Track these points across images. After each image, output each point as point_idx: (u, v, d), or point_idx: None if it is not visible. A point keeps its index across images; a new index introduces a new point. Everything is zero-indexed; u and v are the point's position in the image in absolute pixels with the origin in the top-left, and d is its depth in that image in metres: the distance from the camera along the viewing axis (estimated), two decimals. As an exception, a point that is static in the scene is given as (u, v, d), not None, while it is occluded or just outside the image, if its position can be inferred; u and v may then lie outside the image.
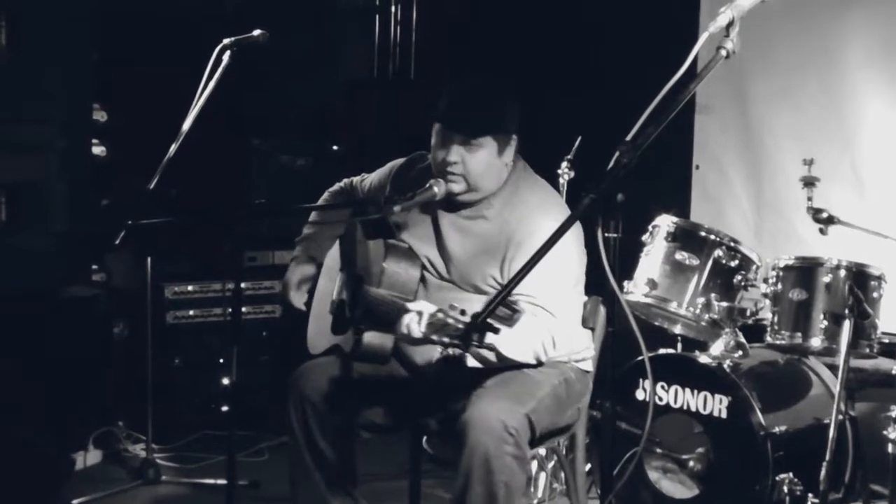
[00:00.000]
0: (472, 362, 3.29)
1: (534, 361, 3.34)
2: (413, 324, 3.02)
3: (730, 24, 2.40)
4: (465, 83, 3.49)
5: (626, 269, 4.11)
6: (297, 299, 3.79)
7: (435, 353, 3.43)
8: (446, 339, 2.84)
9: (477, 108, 3.42)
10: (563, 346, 3.42)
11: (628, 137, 2.29)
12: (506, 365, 3.31)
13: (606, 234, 2.35)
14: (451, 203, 3.51)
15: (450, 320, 2.85)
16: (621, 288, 3.99)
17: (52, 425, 4.57)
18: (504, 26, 6.04)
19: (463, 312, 2.86)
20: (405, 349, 3.50)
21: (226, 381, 5.35)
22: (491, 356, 3.23)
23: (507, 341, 3.03)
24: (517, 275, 2.48)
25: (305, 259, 3.85)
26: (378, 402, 3.60)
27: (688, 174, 5.31)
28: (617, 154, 2.28)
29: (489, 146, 3.40)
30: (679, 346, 4.38)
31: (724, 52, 2.42)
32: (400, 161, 3.76)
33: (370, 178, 3.84)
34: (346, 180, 3.93)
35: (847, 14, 4.68)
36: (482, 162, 3.40)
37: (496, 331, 2.67)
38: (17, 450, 4.26)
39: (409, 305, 3.08)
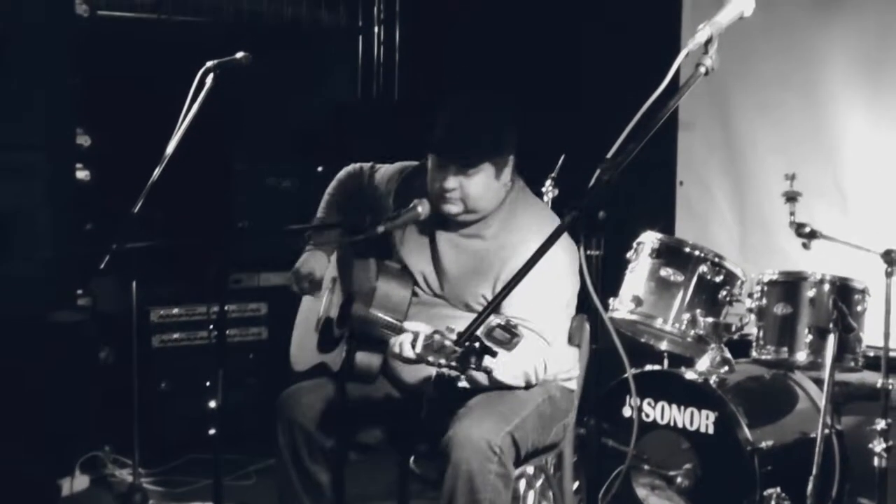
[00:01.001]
0: (462, 383, 3.28)
1: (524, 385, 3.36)
2: (406, 344, 3.02)
3: (708, 41, 2.41)
4: (458, 109, 3.46)
5: (611, 286, 4.12)
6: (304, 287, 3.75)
7: (423, 372, 3.42)
8: (442, 361, 2.78)
9: (472, 137, 3.39)
10: (552, 367, 3.43)
11: (609, 154, 2.30)
12: (495, 387, 3.32)
13: (589, 252, 2.35)
14: (449, 220, 3.52)
15: (447, 342, 2.79)
16: (606, 305, 4.02)
17: (38, 451, 4.56)
18: (487, 46, 6.05)
19: (460, 335, 2.77)
20: (394, 368, 3.50)
21: (212, 404, 5.32)
22: (483, 379, 3.23)
23: (503, 365, 3.00)
24: (501, 292, 2.48)
25: (312, 254, 3.82)
26: (367, 424, 3.60)
27: (672, 190, 5.33)
28: (598, 171, 2.29)
29: (487, 170, 3.40)
30: (665, 362, 4.38)
31: (703, 69, 2.43)
32: (411, 166, 3.73)
33: (380, 176, 3.80)
34: (356, 166, 3.92)
35: (828, 30, 4.71)
36: (480, 186, 3.41)
37: (494, 354, 2.65)
38: (3, 476, 4.24)
39: (406, 325, 3.08)
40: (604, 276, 3.83)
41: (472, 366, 2.66)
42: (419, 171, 3.64)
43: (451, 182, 3.39)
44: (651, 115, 2.35)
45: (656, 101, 2.36)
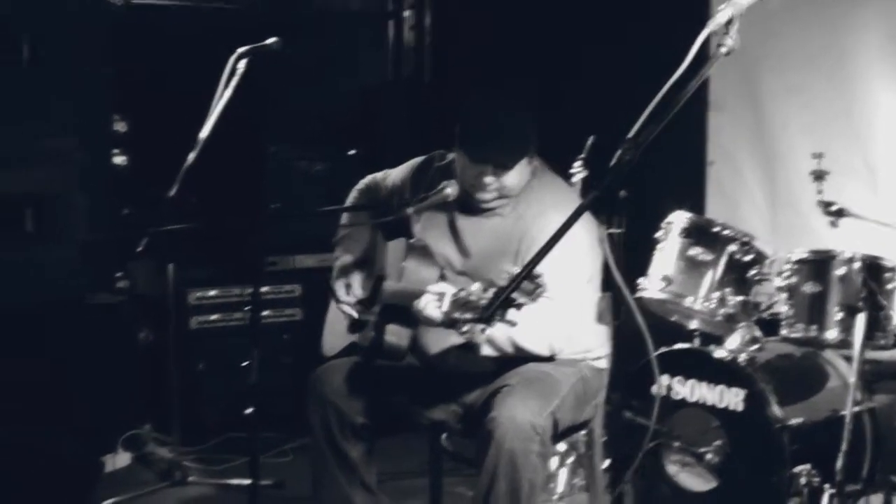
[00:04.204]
0: (486, 350, 3.34)
1: (547, 353, 3.40)
2: (432, 304, 3.09)
3: (729, 22, 2.44)
4: (486, 107, 3.56)
5: (641, 265, 4.15)
6: (343, 295, 3.82)
7: (451, 348, 3.49)
8: (469, 316, 2.87)
9: (507, 140, 3.49)
10: (578, 342, 3.48)
11: (630, 135, 2.33)
12: (521, 356, 3.37)
13: (610, 230, 2.40)
14: (468, 202, 3.58)
15: (472, 297, 2.90)
16: (635, 284, 4.05)
17: (81, 430, 4.64)
18: (516, 27, 6.08)
19: (486, 290, 2.90)
20: (422, 345, 3.56)
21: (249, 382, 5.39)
22: (507, 345, 3.29)
23: (526, 328, 3.05)
24: (525, 268, 2.52)
25: (343, 255, 3.89)
26: (398, 401, 3.66)
27: (702, 171, 5.33)
28: (619, 152, 2.33)
29: (521, 164, 3.50)
30: (697, 340, 4.39)
31: (724, 50, 2.46)
32: (420, 159, 3.83)
33: (392, 176, 3.90)
34: (370, 177, 4.00)
35: (858, 8, 4.70)
36: (516, 178, 3.51)
37: (518, 306, 2.69)
38: (48, 454, 4.33)
39: (430, 288, 3.14)
40: (635, 256, 3.89)
41: (498, 317, 2.67)
42: (430, 161, 3.76)
43: (489, 178, 3.48)
44: (673, 96, 2.38)
45: (678, 81, 2.39)
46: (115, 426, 5.02)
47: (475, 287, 2.95)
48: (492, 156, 3.46)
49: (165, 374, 4.90)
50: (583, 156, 4.53)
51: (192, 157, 4.15)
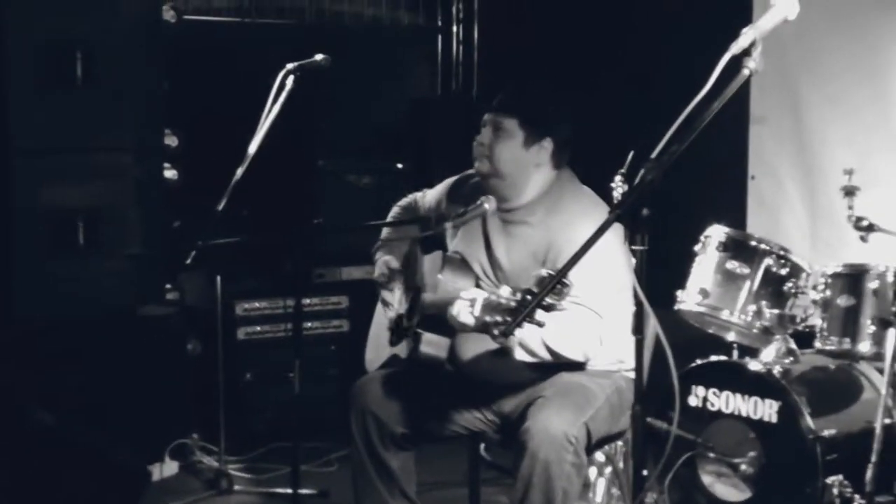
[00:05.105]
0: (520, 354, 3.40)
1: (581, 359, 3.46)
2: (465, 309, 3.17)
3: (752, 45, 2.50)
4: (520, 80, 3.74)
5: (680, 279, 4.20)
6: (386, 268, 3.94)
7: (488, 357, 3.56)
8: (498, 318, 2.95)
9: (512, 93, 3.67)
10: (611, 350, 3.53)
11: (653, 155, 2.41)
12: (554, 361, 3.43)
13: (633, 247, 2.46)
14: (499, 211, 3.66)
15: (502, 300, 2.98)
16: (674, 298, 4.11)
17: (129, 438, 4.73)
18: (563, 42, 6.14)
19: (515, 293, 2.98)
20: (458, 351, 3.63)
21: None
22: (539, 348, 3.36)
23: (557, 331, 3.16)
24: (559, 273, 2.59)
25: (385, 254, 4.01)
26: (437, 411, 3.73)
27: (744, 185, 5.36)
28: (642, 171, 2.40)
29: (516, 135, 3.61)
30: (735, 353, 4.43)
31: (746, 72, 2.52)
32: (454, 178, 3.94)
33: (430, 195, 4.02)
34: (410, 196, 4.12)
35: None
36: (505, 149, 3.61)
37: (547, 307, 2.75)
38: (97, 463, 4.43)
39: (462, 294, 3.22)
40: (678, 270, 3.93)
41: (527, 318, 2.72)
42: (466, 178, 3.87)
43: (484, 136, 3.65)
44: (696, 117, 2.44)
45: (701, 102, 2.45)
46: (163, 435, 5.11)
47: (504, 290, 3.02)
48: (493, 100, 3.67)
49: (213, 384, 5.00)
50: (623, 171, 4.60)
51: (240, 171, 4.24)
